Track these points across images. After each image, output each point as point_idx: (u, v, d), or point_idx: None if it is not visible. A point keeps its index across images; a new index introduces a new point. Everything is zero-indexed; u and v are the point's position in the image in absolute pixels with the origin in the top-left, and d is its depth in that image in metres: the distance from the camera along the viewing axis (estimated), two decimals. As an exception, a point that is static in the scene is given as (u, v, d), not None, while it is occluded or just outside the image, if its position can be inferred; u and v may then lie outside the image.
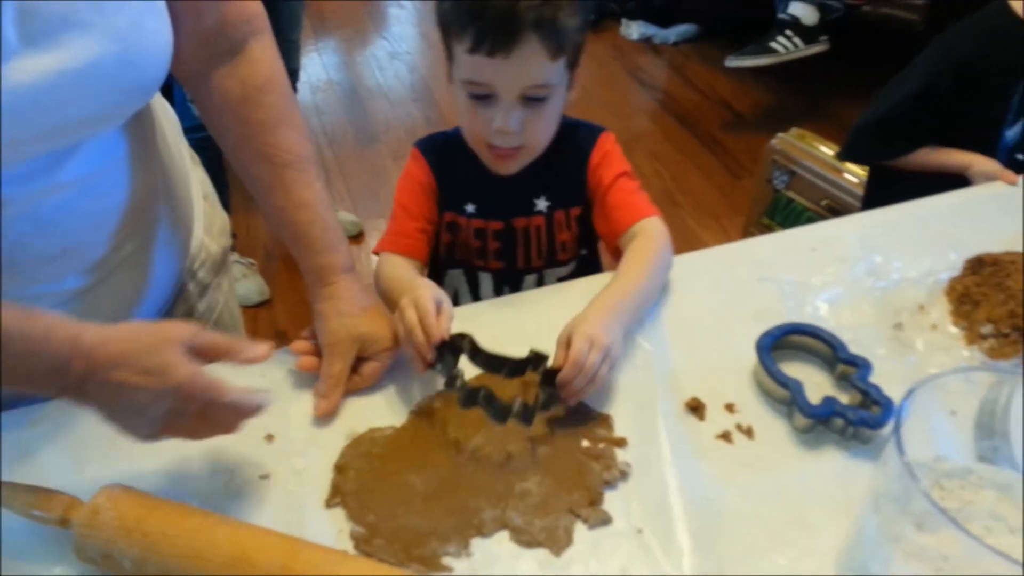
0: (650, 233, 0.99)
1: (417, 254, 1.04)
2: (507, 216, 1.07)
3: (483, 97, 0.94)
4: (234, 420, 0.71)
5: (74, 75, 0.67)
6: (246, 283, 2.30)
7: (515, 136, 0.96)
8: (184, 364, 0.66)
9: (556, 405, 0.83)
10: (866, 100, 1.62)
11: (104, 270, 0.83)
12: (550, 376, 0.83)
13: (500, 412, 0.81)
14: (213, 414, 0.69)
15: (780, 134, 2.19)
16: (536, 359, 0.85)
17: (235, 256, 2.30)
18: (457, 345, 0.85)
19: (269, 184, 0.85)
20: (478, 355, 0.87)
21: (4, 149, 0.66)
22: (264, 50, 0.86)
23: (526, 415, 0.81)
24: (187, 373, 0.65)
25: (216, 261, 1.02)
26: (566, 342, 0.83)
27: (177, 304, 0.96)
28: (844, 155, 1.72)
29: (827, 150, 2.10)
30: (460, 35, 0.91)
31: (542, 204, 1.07)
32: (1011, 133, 1.42)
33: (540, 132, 0.99)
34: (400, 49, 3.71)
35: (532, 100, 0.94)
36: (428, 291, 0.86)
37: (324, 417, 0.84)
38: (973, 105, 1.42)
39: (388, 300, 0.95)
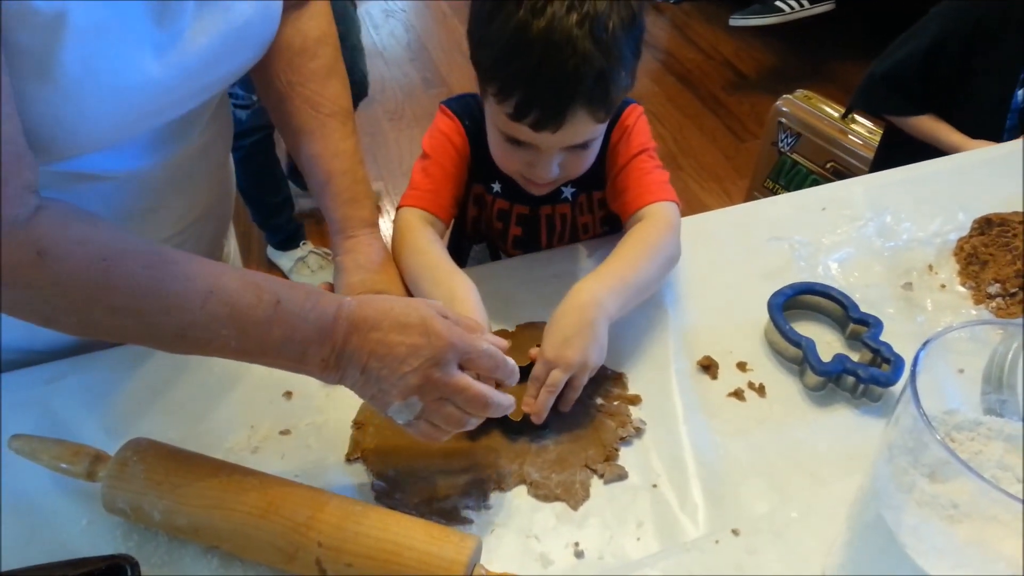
0: (656, 218, 0.91)
1: (445, 215, 0.96)
2: (534, 202, 1.01)
3: (520, 142, 0.87)
4: (490, 390, 0.68)
5: (234, 34, 0.74)
6: None
7: (552, 178, 0.90)
8: (440, 319, 0.67)
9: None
10: (870, 62, 1.62)
11: (198, 223, 0.90)
12: None
13: (512, 428, 0.80)
14: (465, 388, 0.67)
15: (786, 95, 2.18)
16: None
17: None
18: None
19: (311, 130, 0.87)
20: None
21: (171, 108, 0.73)
22: (322, 6, 0.90)
23: (538, 426, 0.80)
24: (443, 324, 0.67)
25: (234, 203, 1.09)
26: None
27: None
28: (854, 103, 1.71)
29: (833, 112, 2.10)
30: (501, 98, 0.82)
31: (568, 191, 1.01)
32: (1021, 92, 1.42)
33: (578, 170, 0.92)
34: (395, 7, 3.66)
35: (575, 147, 0.87)
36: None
37: None
38: (986, 63, 1.41)
39: (411, 275, 0.88)
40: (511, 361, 0.71)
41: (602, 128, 0.88)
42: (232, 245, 1.13)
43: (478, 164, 1.00)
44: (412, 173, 0.98)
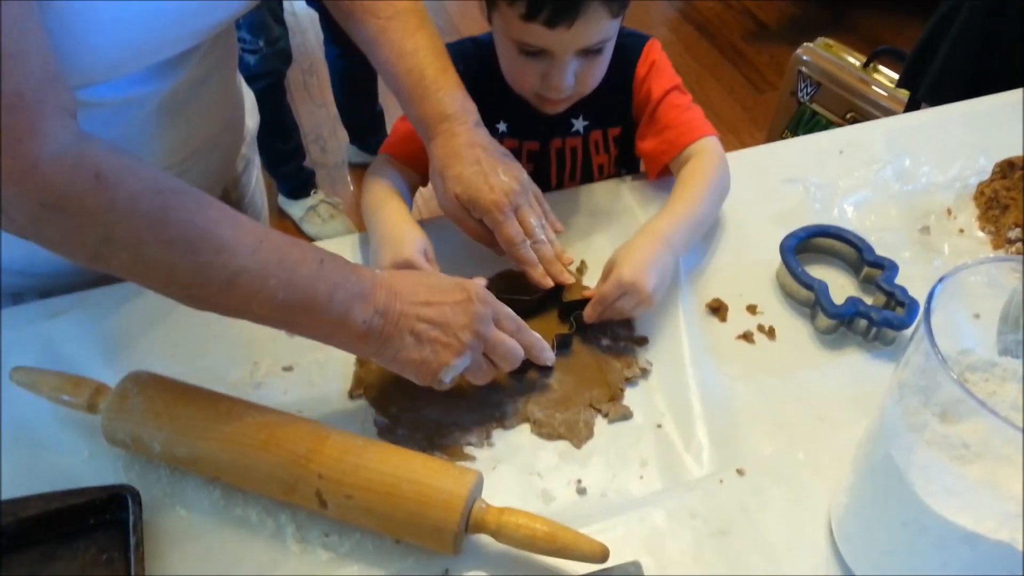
0: (708, 154, 0.92)
1: (415, 163, 0.94)
2: (544, 137, 1.00)
3: (534, 52, 0.86)
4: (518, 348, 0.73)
5: None
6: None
7: (569, 88, 0.89)
8: (471, 282, 0.73)
9: (576, 339, 0.82)
10: (893, 11, 1.56)
11: (199, 153, 0.89)
12: (570, 309, 0.83)
13: (516, 368, 0.78)
14: (504, 341, 0.72)
15: (807, 44, 2.12)
16: (555, 291, 0.84)
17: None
18: None
19: (374, 39, 0.85)
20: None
21: (170, 44, 0.73)
22: None
23: (542, 368, 0.79)
24: (478, 285, 0.72)
25: (253, 136, 1.07)
26: (606, 275, 0.81)
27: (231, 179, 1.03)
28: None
29: (855, 61, 2.04)
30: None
31: (579, 124, 1.00)
32: None
33: (593, 79, 0.92)
34: (408, -47, 3.57)
35: (588, 51, 0.87)
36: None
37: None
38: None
39: (374, 229, 0.87)
40: (532, 332, 0.75)
41: (615, 27, 0.87)
42: (255, 177, 1.11)
43: None
44: (397, 120, 0.96)
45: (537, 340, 0.75)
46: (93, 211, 0.56)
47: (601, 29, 0.84)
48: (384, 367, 0.71)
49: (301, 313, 0.65)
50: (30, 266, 0.84)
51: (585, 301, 0.82)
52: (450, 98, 0.83)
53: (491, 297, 0.72)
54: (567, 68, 0.86)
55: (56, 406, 0.71)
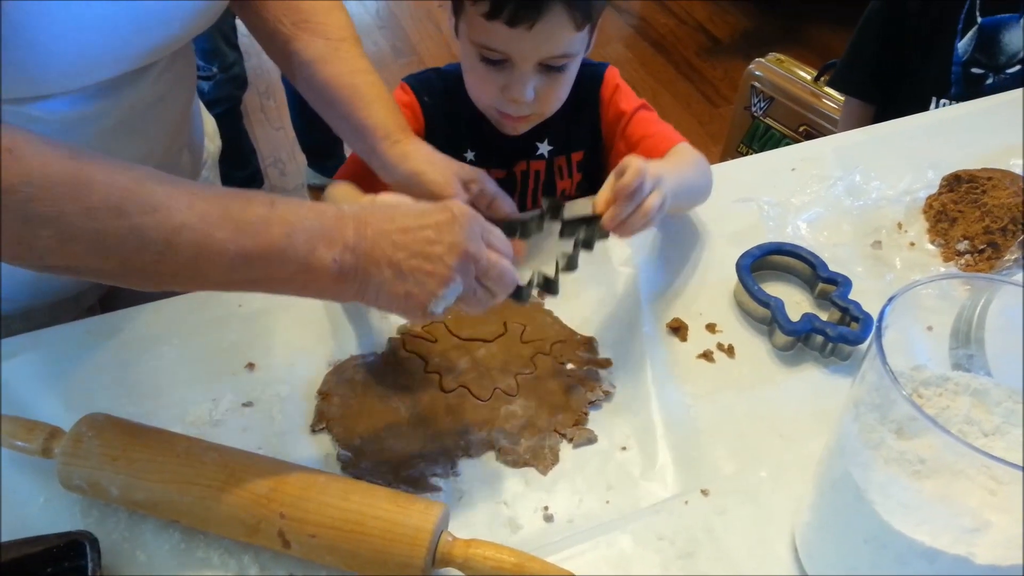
0: (687, 150, 0.95)
1: (372, 191, 0.92)
2: (509, 163, 1.01)
3: (496, 61, 0.87)
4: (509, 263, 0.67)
5: None
6: None
7: (527, 105, 0.90)
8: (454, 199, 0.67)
9: (543, 358, 0.81)
10: (844, 24, 1.61)
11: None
12: (573, 226, 0.78)
13: (517, 293, 0.70)
14: (497, 261, 0.65)
15: (759, 59, 2.16)
16: (553, 208, 0.80)
17: None
18: None
19: (324, 57, 0.85)
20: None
21: (126, 60, 0.71)
22: None
23: (549, 286, 0.76)
24: (460, 202, 0.65)
25: (214, 159, 1.08)
26: (618, 174, 0.76)
27: None
28: (835, 84, 1.71)
29: (805, 75, 2.08)
30: None
31: (544, 148, 1.01)
32: (961, 44, 1.41)
33: (554, 100, 0.92)
34: (362, -28, 3.58)
35: (550, 68, 0.87)
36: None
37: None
38: (932, 17, 1.42)
39: None
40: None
41: (579, 44, 0.87)
42: None
43: (442, 138, 0.97)
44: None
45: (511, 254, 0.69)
46: (10, 187, 0.52)
47: (563, 39, 0.84)
48: (375, 307, 0.66)
49: (260, 265, 0.59)
50: (32, 297, 0.84)
51: (588, 218, 0.78)
52: (388, 119, 0.85)
53: (477, 215, 0.65)
54: (527, 79, 0.87)
55: (9, 452, 0.70)
